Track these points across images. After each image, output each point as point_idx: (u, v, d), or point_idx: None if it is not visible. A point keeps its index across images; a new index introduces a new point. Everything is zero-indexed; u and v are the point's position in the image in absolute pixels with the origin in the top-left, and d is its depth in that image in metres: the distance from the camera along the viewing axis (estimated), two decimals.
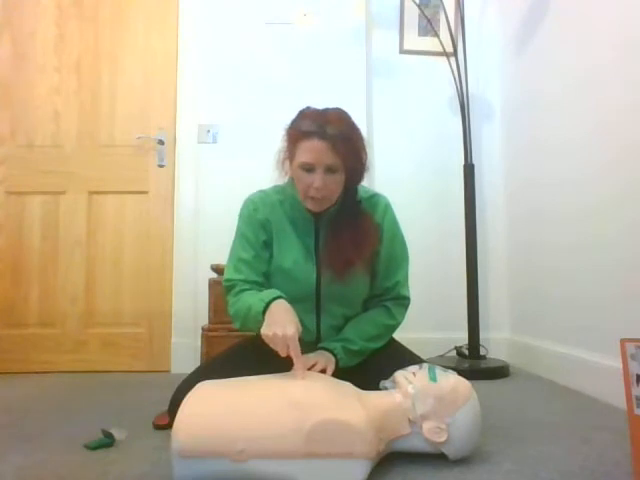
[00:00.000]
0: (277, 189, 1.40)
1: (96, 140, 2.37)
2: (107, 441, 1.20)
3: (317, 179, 1.21)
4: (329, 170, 1.22)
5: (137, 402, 1.65)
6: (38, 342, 2.28)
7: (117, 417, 1.45)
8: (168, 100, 2.38)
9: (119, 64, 2.40)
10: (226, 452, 0.91)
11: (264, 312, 1.16)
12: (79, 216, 2.34)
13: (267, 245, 1.34)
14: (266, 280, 1.34)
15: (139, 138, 2.35)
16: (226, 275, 1.35)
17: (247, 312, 1.22)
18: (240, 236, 1.36)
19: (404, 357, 1.31)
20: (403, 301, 1.38)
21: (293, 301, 1.28)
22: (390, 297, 1.37)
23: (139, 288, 2.33)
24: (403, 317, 1.39)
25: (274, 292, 1.21)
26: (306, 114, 1.26)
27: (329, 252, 1.31)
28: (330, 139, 1.20)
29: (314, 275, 1.32)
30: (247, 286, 1.30)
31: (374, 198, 1.38)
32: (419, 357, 1.34)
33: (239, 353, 1.39)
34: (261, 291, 1.26)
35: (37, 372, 2.20)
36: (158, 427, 1.33)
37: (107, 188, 2.35)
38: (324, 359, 1.22)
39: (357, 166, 1.27)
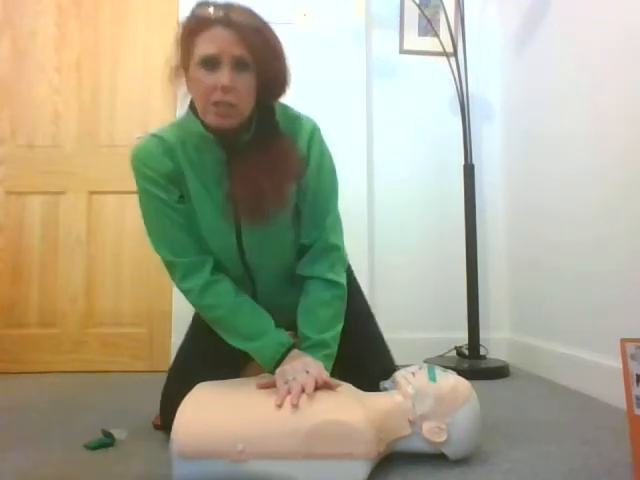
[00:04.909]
0: (174, 124, 1.16)
1: (96, 140, 2.37)
2: (107, 441, 1.20)
3: (223, 75, 0.99)
4: (237, 65, 1.00)
5: (137, 402, 1.65)
6: (38, 342, 2.28)
7: (117, 417, 1.45)
8: (168, 100, 2.38)
9: (119, 64, 2.40)
10: (226, 452, 0.91)
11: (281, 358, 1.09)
12: (79, 216, 2.34)
13: (183, 199, 1.12)
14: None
15: (139, 138, 2.33)
16: (163, 255, 1.15)
17: (247, 343, 1.11)
18: (152, 202, 1.10)
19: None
20: (335, 254, 1.18)
21: (222, 271, 1.16)
22: (318, 248, 1.17)
23: (139, 288, 2.32)
24: (344, 275, 1.20)
25: (287, 338, 1.11)
26: (203, 3, 1.03)
27: (237, 185, 1.07)
28: (236, 27, 0.99)
29: (233, 235, 1.13)
30: (214, 273, 1.12)
31: (298, 120, 1.15)
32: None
33: (204, 343, 1.25)
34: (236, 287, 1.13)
35: (37, 372, 2.20)
36: (158, 427, 1.33)
37: (107, 188, 2.35)
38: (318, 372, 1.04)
39: (273, 68, 1.05)
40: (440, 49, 2.29)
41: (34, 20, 2.39)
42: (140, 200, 1.15)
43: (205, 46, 1.00)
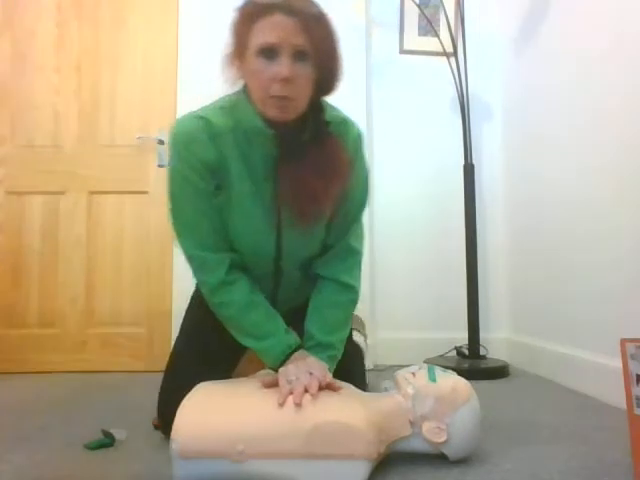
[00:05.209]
0: (223, 107, 1.08)
1: (96, 140, 2.37)
2: (107, 441, 1.20)
3: (283, 66, 0.94)
4: (297, 55, 0.96)
5: (137, 402, 1.65)
6: (38, 342, 2.28)
7: (117, 417, 1.45)
8: (168, 100, 2.38)
9: (119, 64, 2.40)
10: (226, 452, 0.91)
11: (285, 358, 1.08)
12: (79, 216, 2.34)
13: (218, 191, 1.06)
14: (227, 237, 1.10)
15: (139, 138, 2.35)
16: (183, 244, 1.10)
17: (256, 342, 1.10)
18: (186, 188, 1.04)
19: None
20: (354, 258, 1.18)
21: (250, 261, 1.13)
22: (339, 250, 1.17)
23: (139, 288, 2.32)
24: (359, 279, 1.19)
25: (295, 340, 1.10)
26: None
27: (290, 185, 1.04)
28: (298, 14, 0.94)
29: (274, 233, 1.10)
30: (231, 273, 1.09)
31: (345, 123, 1.12)
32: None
33: (202, 338, 1.26)
34: (251, 284, 1.10)
35: (37, 372, 2.20)
36: (158, 427, 1.33)
37: (107, 188, 2.35)
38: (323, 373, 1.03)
39: (331, 60, 1.01)
40: (440, 49, 2.29)
41: (34, 20, 2.39)
42: (172, 182, 1.08)
43: (264, 34, 0.95)
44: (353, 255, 1.19)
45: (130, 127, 2.37)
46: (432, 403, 1.03)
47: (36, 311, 2.30)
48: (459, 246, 2.23)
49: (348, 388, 1.06)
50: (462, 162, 2.23)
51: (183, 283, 2.32)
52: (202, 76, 2.41)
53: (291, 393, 0.96)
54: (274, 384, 1.02)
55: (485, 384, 1.82)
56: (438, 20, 2.44)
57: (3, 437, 1.29)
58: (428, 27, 2.42)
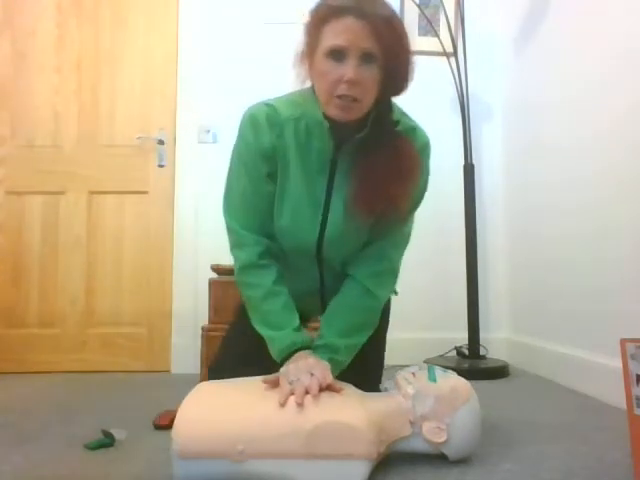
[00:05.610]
0: (293, 100, 1.13)
1: (96, 140, 2.37)
2: (107, 441, 1.20)
3: (350, 68, 0.96)
4: (364, 58, 0.98)
5: (137, 402, 1.65)
6: (38, 342, 2.28)
7: (117, 417, 1.45)
8: (168, 100, 2.38)
9: (119, 64, 2.40)
10: (226, 453, 0.91)
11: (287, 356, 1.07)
12: (79, 216, 2.34)
13: (271, 178, 1.10)
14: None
15: (139, 138, 2.35)
16: (226, 218, 1.14)
17: (267, 330, 1.10)
18: (240, 166, 1.11)
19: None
20: (384, 264, 1.16)
21: (292, 253, 1.16)
22: (372, 251, 1.16)
23: (139, 288, 2.32)
24: (386, 289, 1.19)
25: (302, 339, 1.09)
26: None
27: (361, 187, 1.05)
28: (368, 18, 0.95)
29: (317, 228, 1.12)
30: (264, 258, 1.11)
31: (413, 130, 1.14)
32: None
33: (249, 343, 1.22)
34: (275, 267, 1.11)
35: (37, 372, 2.20)
36: (158, 427, 1.33)
37: (107, 188, 2.35)
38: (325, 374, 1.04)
39: (399, 61, 1.01)
40: (440, 49, 2.29)
41: (34, 20, 2.38)
42: (231, 159, 1.16)
43: (334, 37, 0.98)
44: (384, 261, 1.16)
45: (130, 127, 2.37)
46: (432, 403, 1.03)
47: (36, 311, 2.30)
48: (459, 246, 2.23)
49: (349, 388, 1.06)
50: (462, 162, 2.23)
51: (183, 283, 2.34)
52: (202, 76, 2.42)
53: (292, 394, 0.96)
54: (276, 384, 1.02)
55: (485, 384, 1.82)
56: (438, 20, 2.44)
57: (3, 437, 1.29)
58: (428, 27, 2.42)
